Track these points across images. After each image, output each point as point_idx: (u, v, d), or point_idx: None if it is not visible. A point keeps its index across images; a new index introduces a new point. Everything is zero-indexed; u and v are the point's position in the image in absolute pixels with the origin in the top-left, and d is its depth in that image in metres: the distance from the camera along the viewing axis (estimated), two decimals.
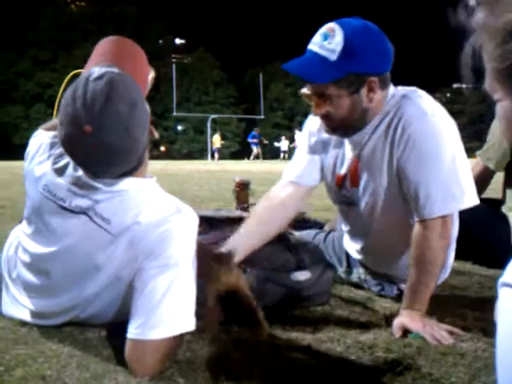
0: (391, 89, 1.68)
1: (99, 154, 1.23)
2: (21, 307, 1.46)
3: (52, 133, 1.50)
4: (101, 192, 1.33)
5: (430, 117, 1.59)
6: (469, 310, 1.72)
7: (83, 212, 1.34)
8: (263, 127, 40.37)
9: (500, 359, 0.51)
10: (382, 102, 1.66)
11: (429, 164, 1.57)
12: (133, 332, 1.22)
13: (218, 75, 44.46)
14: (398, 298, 1.87)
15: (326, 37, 1.58)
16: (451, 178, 1.57)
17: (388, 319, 1.63)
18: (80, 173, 1.36)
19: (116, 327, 1.35)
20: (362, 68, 1.57)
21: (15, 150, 30.87)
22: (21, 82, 38.45)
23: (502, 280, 0.51)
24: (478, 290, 1.96)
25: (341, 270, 2.09)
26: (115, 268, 1.32)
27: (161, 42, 45.49)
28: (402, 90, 1.69)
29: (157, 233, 1.26)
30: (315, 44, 1.59)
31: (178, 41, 55.79)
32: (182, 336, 1.26)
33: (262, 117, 32.43)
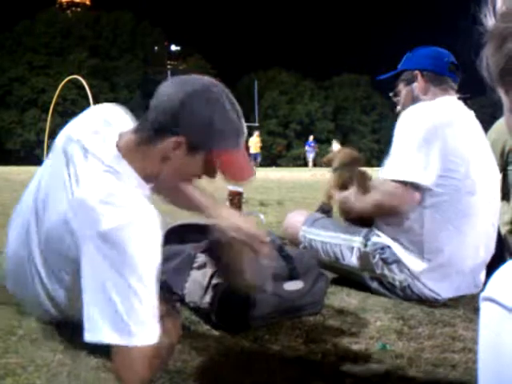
0: (449, 98, 2.12)
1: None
2: None
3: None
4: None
5: (413, 114, 2.03)
6: (460, 321, 1.72)
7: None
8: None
9: (481, 372, 0.51)
10: (425, 97, 2.15)
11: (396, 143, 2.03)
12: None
13: None
14: (391, 309, 1.87)
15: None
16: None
17: (380, 329, 1.63)
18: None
19: None
20: (410, 65, 2.23)
21: (8, 156, 30.70)
22: (15, 86, 38.32)
23: (483, 294, 0.52)
24: (468, 300, 1.96)
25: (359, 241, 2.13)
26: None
27: (156, 48, 45.55)
28: (445, 98, 2.13)
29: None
30: None
31: (173, 47, 55.97)
32: (172, 346, 1.25)
33: (257, 124, 32.39)
